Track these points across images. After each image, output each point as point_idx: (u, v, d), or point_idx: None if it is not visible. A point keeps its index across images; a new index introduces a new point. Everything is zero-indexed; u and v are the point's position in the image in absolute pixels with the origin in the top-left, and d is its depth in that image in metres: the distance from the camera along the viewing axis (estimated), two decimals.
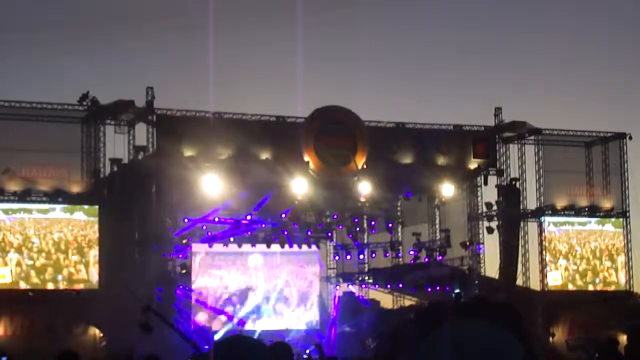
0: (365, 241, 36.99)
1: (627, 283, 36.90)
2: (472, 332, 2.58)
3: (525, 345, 2.61)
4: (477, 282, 34.57)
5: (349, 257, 36.80)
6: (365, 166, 32.56)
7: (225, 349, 4.51)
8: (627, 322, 27.06)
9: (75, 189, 30.95)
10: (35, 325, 29.52)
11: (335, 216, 35.22)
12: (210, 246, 34.08)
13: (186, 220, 32.13)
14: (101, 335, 30.67)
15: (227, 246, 34.25)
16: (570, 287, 36.31)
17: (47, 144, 30.43)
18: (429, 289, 34.97)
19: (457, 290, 32.55)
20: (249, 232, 33.94)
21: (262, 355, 4.42)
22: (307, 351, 30.29)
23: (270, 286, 35.25)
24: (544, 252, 36.07)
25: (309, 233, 35.24)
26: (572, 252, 36.41)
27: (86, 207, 30.93)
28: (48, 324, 29.19)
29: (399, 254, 36.93)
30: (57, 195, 30.72)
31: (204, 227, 33.06)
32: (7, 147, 30.28)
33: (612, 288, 36.79)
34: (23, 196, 30.39)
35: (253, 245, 34.60)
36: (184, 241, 32.40)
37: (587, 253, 36.63)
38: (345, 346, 33.21)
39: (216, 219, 32.81)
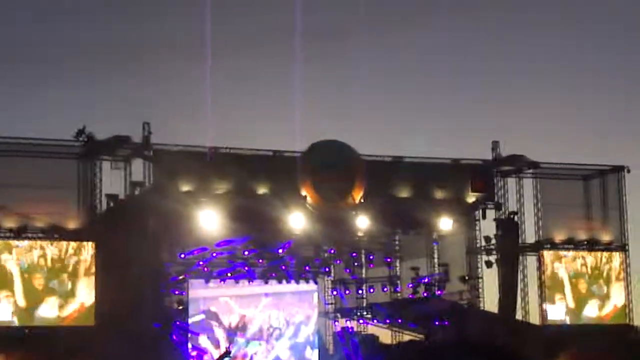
0: (364, 276, 36.84)
1: (626, 316, 36.66)
2: None
3: None
4: (476, 317, 34.36)
5: (347, 292, 36.62)
6: (363, 200, 32.48)
7: None
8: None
9: (72, 225, 30.77)
10: None
11: (332, 251, 35.09)
12: (206, 283, 33.85)
13: (183, 256, 31.97)
14: None
15: (224, 282, 34.03)
16: (570, 320, 36.04)
17: (43, 179, 30.26)
18: (429, 324, 34.76)
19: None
20: (247, 268, 33.76)
21: None
22: None
23: (267, 321, 34.98)
24: (543, 286, 35.87)
25: (307, 268, 35.09)
26: (571, 286, 36.17)
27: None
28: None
29: (398, 289, 36.77)
30: (52, 232, 30.52)
31: (201, 263, 32.90)
32: (2, 183, 30.14)
33: (612, 321, 36.51)
34: (19, 233, 30.19)
35: (250, 282, 34.39)
36: (181, 277, 32.24)
37: (586, 286, 36.40)
38: None
39: (213, 254, 32.67)
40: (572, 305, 36.14)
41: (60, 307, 30.29)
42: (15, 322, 29.89)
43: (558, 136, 47.80)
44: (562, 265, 36.35)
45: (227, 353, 32.64)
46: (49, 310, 30.24)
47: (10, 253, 30.10)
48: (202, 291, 34.08)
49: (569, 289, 36.15)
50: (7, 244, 30.01)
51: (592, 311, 36.40)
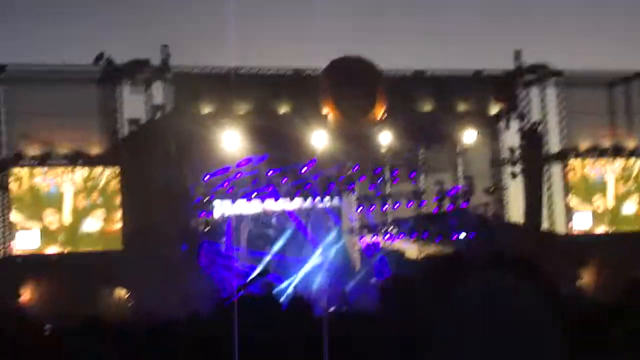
0: (388, 191, 36.80)
1: None
2: (493, 285, 2.40)
3: (546, 298, 2.43)
4: (502, 228, 34.36)
5: (372, 208, 36.63)
6: (385, 116, 32.30)
7: (242, 309, 4.32)
8: None
9: (95, 150, 30.86)
10: (60, 289, 29.55)
11: (356, 168, 35.02)
12: (233, 202, 33.91)
13: (207, 177, 32.00)
14: (127, 296, 30.72)
15: (249, 201, 34.08)
16: (597, 229, 36.02)
17: (64, 106, 30.29)
18: (454, 237, 34.81)
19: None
20: (270, 187, 33.78)
21: (280, 319, 4.22)
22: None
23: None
24: (568, 195, 35.77)
25: (331, 186, 35.06)
26: (597, 194, 36.07)
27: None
28: (73, 287, 29.21)
29: (423, 203, 36.75)
30: (76, 158, 30.63)
31: (225, 185, 32.93)
32: (23, 111, 30.19)
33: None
34: (43, 160, 30.32)
35: (276, 200, 34.44)
36: (206, 198, 32.31)
37: (612, 194, 36.29)
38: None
39: (237, 175, 32.67)
40: (598, 213, 36.06)
41: (105, 220, 30.58)
42: (47, 248, 30.17)
43: (581, 43, 47.19)
44: (589, 172, 36.21)
45: (265, 272, 32.70)
46: (93, 225, 30.48)
47: (45, 178, 30.32)
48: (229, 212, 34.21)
49: (597, 197, 36.04)
50: (37, 170, 30.21)
51: (622, 217, 36.33)
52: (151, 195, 30.20)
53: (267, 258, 33.72)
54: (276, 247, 34.06)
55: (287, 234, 34.80)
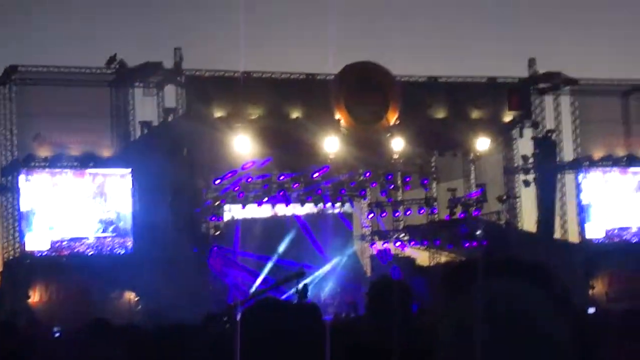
0: (400, 198, 36.67)
1: None
2: (503, 292, 2.27)
3: (558, 306, 2.31)
4: (514, 236, 34.18)
5: (383, 214, 36.49)
6: (397, 122, 32.16)
7: (253, 313, 4.20)
8: None
9: (106, 153, 30.83)
10: (69, 291, 29.50)
11: (368, 174, 34.87)
12: (243, 207, 33.85)
13: (218, 181, 31.91)
14: (136, 299, 30.65)
15: (260, 206, 34.02)
16: (610, 238, 35.81)
17: (77, 108, 30.27)
18: (466, 245, 34.63)
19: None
20: (282, 192, 33.68)
21: (291, 320, 4.11)
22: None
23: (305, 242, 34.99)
24: (582, 204, 35.58)
25: (343, 192, 34.96)
26: (610, 203, 35.86)
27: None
28: (83, 289, 29.15)
29: (434, 210, 36.60)
30: (88, 160, 30.58)
31: (237, 189, 32.85)
32: (36, 113, 30.17)
33: None
34: (54, 162, 30.28)
35: (287, 205, 34.36)
36: (217, 203, 32.25)
37: (625, 203, 36.08)
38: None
39: (249, 179, 32.60)
40: (611, 223, 35.88)
41: (102, 231, 30.54)
42: (51, 252, 30.12)
43: (596, 52, 47.02)
44: (602, 182, 36.02)
45: (301, 274, 32.35)
46: (89, 234, 30.46)
47: (52, 183, 30.31)
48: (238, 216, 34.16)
49: (608, 207, 35.84)
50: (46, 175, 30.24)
51: (631, 229, 36.14)
52: (162, 198, 30.13)
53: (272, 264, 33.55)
54: (285, 251, 33.92)
55: (297, 239, 34.70)
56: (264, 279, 32.45)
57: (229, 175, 31.86)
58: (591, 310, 24.43)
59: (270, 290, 29.21)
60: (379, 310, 5.55)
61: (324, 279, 34.79)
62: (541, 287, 2.44)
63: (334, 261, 35.05)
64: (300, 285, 23.58)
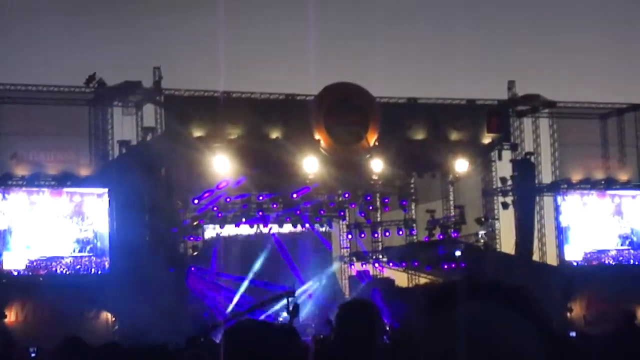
0: (379, 219, 36.66)
1: None
2: (483, 316, 2.22)
3: (538, 330, 2.26)
4: (493, 258, 34.18)
5: (362, 235, 36.47)
6: (377, 143, 32.17)
7: (233, 334, 4.14)
8: None
9: (84, 172, 30.66)
10: (46, 311, 29.27)
11: (347, 195, 34.86)
12: (222, 227, 33.76)
13: (196, 201, 31.81)
14: (113, 319, 30.44)
15: (238, 226, 33.94)
16: (588, 261, 35.86)
17: (55, 127, 30.13)
18: (445, 267, 34.62)
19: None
20: (260, 213, 33.58)
21: (269, 343, 4.05)
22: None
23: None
24: (560, 227, 35.64)
25: (322, 212, 34.92)
26: (588, 226, 35.93)
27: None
28: (59, 309, 28.92)
29: (413, 232, 36.59)
30: (65, 179, 30.41)
31: (215, 209, 32.74)
32: (14, 132, 30.02)
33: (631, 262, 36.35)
34: (31, 180, 30.10)
35: (265, 226, 34.27)
36: (195, 223, 32.14)
37: (603, 226, 36.15)
38: None
39: (227, 199, 32.50)
40: (589, 245, 35.94)
41: (79, 251, 30.34)
42: (28, 271, 29.90)
43: (574, 75, 47.29)
44: (580, 205, 36.09)
45: (291, 293, 32.07)
46: (66, 254, 30.26)
47: (29, 202, 30.09)
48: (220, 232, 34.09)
49: (587, 230, 35.90)
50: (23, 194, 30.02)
51: (609, 252, 36.21)
52: (140, 217, 29.99)
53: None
54: (262, 271, 33.79)
55: (275, 258, 34.58)
56: (246, 300, 32.32)
57: (206, 195, 31.75)
58: (572, 334, 24.45)
59: (256, 309, 29.07)
60: (346, 333, 5.49)
61: (301, 300, 34.67)
62: (522, 312, 2.40)
63: (311, 283, 34.91)
64: (292, 306, 23.38)
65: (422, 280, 37.21)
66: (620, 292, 33.11)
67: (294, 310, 22.47)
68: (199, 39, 44.83)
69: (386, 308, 33.54)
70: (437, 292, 2.42)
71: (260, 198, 33.28)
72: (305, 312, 34.22)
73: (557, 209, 35.83)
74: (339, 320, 5.50)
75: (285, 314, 24.97)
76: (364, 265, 37.11)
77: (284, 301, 23.97)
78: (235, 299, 32.28)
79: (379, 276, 37.19)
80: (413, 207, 36.84)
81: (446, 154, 33.54)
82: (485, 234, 35.09)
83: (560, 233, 35.72)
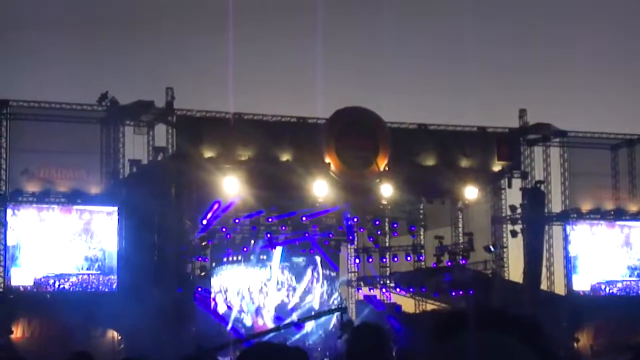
0: (387, 244, 36.62)
1: None
2: (489, 344, 2.25)
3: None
4: (500, 286, 34.10)
5: (370, 260, 36.42)
6: (387, 168, 32.19)
7: (249, 356, 4.18)
8: None
9: (94, 190, 30.73)
10: (52, 328, 29.29)
11: (356, 219, 34.85)
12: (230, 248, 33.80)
13: (205, 222, 31.82)
14: (119, 337, 30.43)
15: (247, 249, 33.97)
16: (595, 291, 35.75)
17: (66, 144, 30.23)
18: (452, 294, 34.54)
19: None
20: (269, 235, 33.60)
21: None
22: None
23: (291, 289, 34.89)
24: (569, 256, 35.56)
25: (331, 236, 34.89)
26: (597, 256, 35.84)
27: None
28: (66, 326, 28.93)
29: (421, 258, 36.54)
30: (75, 197, 30.49)
31: (223, 229, 32.76)
32: (25, 148, 30.14)
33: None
34: (42, 197, 30.18)
35: (273, 249, 34.28)
36: (204, 243, 32.15)
37: (612, 257, 36.06)
38: None
39: (236, 220, 32.54)
40: (597, 276, 35.84)
41: (87, 268, 30.37)
42: (35, 287, 29.94)
43: (586, 105, 47.28)
44: (589, 235, 36.02)
45: (344, 309, 32.10)
46: (74, 271, 30.26)
47: (39, 219, 30.15)
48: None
49: (595, 260, 35.81)
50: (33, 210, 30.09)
51: (617, 283, 36.10)
52: (148, 237, 30.04)
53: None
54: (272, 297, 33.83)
55: (285, 282, 34.59)
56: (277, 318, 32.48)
57: (215, 215, 31.68)
58: None
59: (304, 321, 29.11)
60: (357, 356, 5.51)
61: (309, 324, 34.65)
62: (528, 341, 2.42)
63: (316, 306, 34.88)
64: (345, 321, 23.45)
65: (429, 306, 37.14)
66: (627, 323, 33.03)
67: (347, 326, 22.56)
68: (212, 61, 44.98)
69: (397, 333, 33.47)
70: (444, 318, 2.44)
71: (269, 220, 33.28)
72: (313, 338, 34.18)
73: (566, 238, 35.77)
74: (350, 344, 5.52)
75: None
76: (372, 290, 37.04)
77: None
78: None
79: (386, 302, 37.10)
80: (422, 232, 36.81)
81: (456, 181, 33.51)
82: (493, 261, 35.01)
83: (569, 262, 35.64)
